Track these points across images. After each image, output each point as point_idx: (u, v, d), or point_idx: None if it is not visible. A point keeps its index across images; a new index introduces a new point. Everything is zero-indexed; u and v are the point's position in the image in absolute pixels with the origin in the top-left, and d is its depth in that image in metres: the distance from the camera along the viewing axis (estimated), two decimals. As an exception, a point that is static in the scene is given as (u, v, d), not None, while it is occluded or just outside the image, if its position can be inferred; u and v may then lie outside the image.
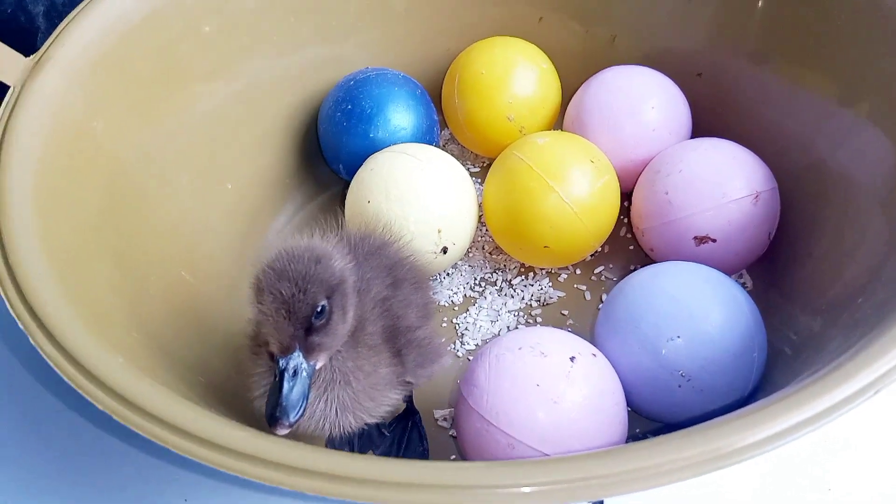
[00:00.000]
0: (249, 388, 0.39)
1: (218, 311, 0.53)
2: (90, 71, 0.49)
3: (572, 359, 0.43)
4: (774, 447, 0.30)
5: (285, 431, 0.33)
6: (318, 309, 0.34)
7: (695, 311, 0.44)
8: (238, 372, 0.49)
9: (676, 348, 0.44)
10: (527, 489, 0.29)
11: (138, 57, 0.52)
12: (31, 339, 0.33)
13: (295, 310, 0.34)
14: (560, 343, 0.44)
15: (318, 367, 0.36)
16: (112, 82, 0.50)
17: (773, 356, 0.47)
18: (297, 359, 0.34)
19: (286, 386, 0.33)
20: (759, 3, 0.56)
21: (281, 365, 0.34)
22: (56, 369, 0.32)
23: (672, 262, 0.49)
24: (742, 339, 0.44)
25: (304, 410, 0.34)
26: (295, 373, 0.34)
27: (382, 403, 0.41)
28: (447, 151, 0.59)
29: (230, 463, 0.29)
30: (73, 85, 0.47)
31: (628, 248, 0.61)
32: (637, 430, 0.49)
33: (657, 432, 0.49)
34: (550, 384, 0.41)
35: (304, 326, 0.34)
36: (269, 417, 0.33)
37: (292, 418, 0.33)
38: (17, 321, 0.34)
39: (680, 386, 0.44)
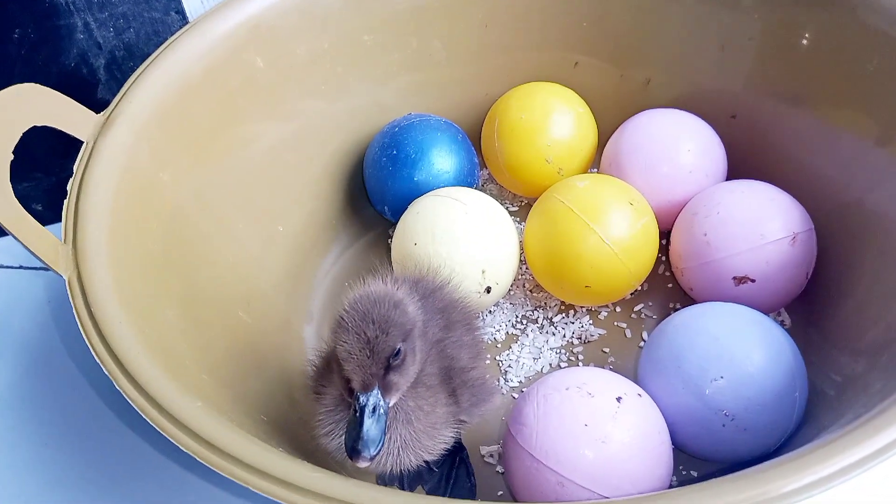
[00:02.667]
0: (314, 428, 0.42)
1: (272, 348, 0.56)
2: (156, 125, 0.52)
3: (619, 399, 0.44)
4: (821, 491, 0.32)
5: (366, 464, 0.35)
6: (396, 350, 0.37)
7: (737, 352, 0.45)
8: (294, 409, 0.51)
9: (720, 388, 0.45)
10: None
11: (199, 109, 0.55)
12: (116, 384, 0.36)
13: (377, 350, 0.36)
14: (606, 383, 0.45)
15: (391, 405, 0.38)
16: (176, 135, 0.53)
17: (816, 396, 0.48)
18: (376, 396, 0.37)
19: (367, 421, 0.36)
20: (797, 46, 0.58)
21: (361, 401, 0.36)
22: (141, 414, 0.34)
23: (713, 303, 0.50)
24: (784, 378, 0.45)
25: (383, 444, 0.36)
26: (374, 409, 0.36)
27: (439, 442, 0.43)
28: (486, 191, 0.62)
29: (304, 501, 0.31)
30: (140, 140, 0.51)
31: (667, 286, 0.62)
32: (681, 469, 0.50)
33: (702, 470, 0.50)
34: (598, 424, 0.43)
35: (384, 366, 0.37)
36: (351, 450, 0.36)
37: (373, 451, 0.35)
38: (104, 368, 0.37)
39: (724, 425, 0.45)
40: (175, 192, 0.53)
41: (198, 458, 0.32)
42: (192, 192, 0.54)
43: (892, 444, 0.32)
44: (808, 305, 0.56)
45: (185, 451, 0.33)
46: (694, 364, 0.46)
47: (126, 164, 0.49)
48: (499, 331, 0.60)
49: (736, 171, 0.62)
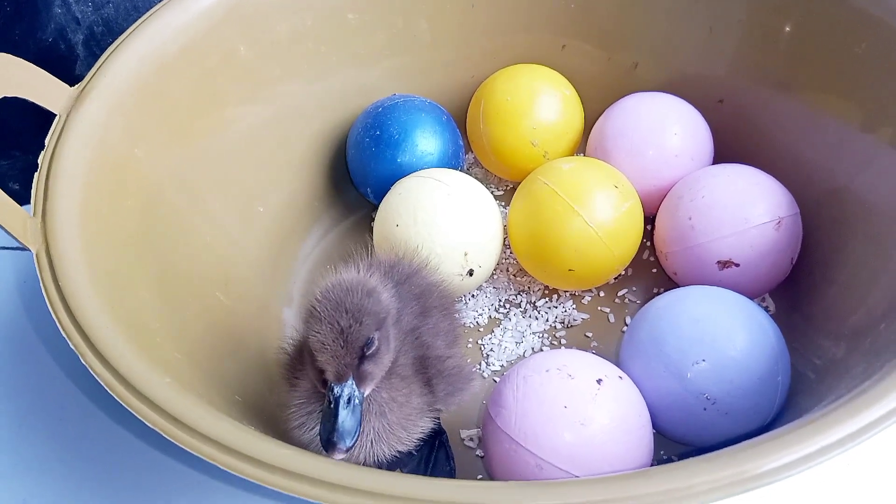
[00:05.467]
0: (287, 419, 0.41)
1: (251, 330, 0.55)
2: (131, 100, 0.51)
3: (599, 381, 0.44)
4: (801, 471, 0.31)
5: (342, 456, 0.35)
6: (370, 340, 0.36)
7: (719, 335, 0.45)
8: (272, 392, 0.50)
9: (701, 372, 0.44)
10: None
11: (176, 86, 0.54)
12: (82, 359, 0.35)
13: (351, 340, 0.36)
14: (587, 365, 0.45)
15: (365, 396, 0.38)
16: (151, 111, 0.52)
17: (797, 380, 0.48)
18: (350, 387, 0.36)
19: (342, 413, 0.35)
20: (784, 31, 0.57)
21: (336, 392, 0.36)
22: (108, 389, 0.33)
23: (696, 287, 0.49)
24: (767, 362, 0.45)
25: (359, 436, 0.35)
26: (349, 400, 0.36)
27: (414, 433, 0.43)
28: (471, 175, 0.61)
29: (274, 479, 0.31)
30: (114, 114, 0.50)
31: (651, 270, 0.62)
32: (661, 453, 0.50)
33: (683, 455, 0.50)
34: (578, 406, 0.42)
35: (358, 356, 0.36)
36: (326, 443, 0.35)
37: (349, 443, 0.35)
38: (69, 342, 0.36)
39: (705, 409, 0.45)
40: (151, 169, 0.51)
41: (165, 435, 0.31)
42: (169, 169, 0.53)
43: (873, 424, 0.32)
44: (792, 291, 0.56)
45: (152, 427, 0.32)
46: (675, 347, 0.46)
47: (100, 139, 0.48)
48: (481, 315, 0.60)
49: (722, 155, 0.61)
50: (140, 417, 0.32)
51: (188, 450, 0.31)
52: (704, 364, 0.44)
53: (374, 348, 0.37)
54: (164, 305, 0.45)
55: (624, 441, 0.42)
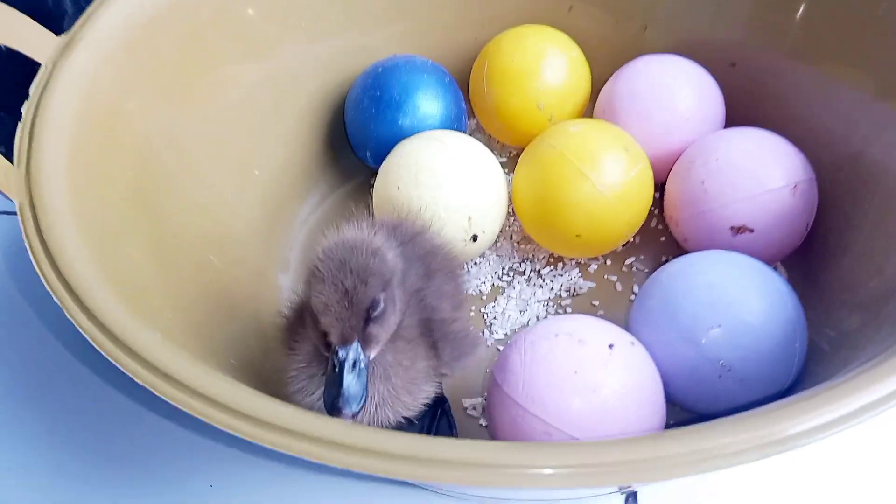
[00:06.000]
0: (287, 383, 0.39)
1: (245, 295, 0.53)
2: (121, 52, 0.48)
3: (611, 346, 0.42)
4: (825, 436, 0.29)
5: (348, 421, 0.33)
6: (376, 301, 0.35)
7: (735, 299, 0.43)
8: (267, 357, 0.48)
9: (717, 338, 0.43)
10: (548, 471, 0.28)
11: (167, 41, 0.51)
12: (66, 313, 0.33)
13: (356, 301, 0.34)
14: (597, 331, 0.43)
15: (371, 359, 0.36)
16: (142, 64, 0.50)
17: (811, 352, 0.46)
18: (356, 350, 0.34)
19: (348, 377, 0.34)
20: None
21: (341, 356, 0.34)
22: (93, 344, 0.31)
23: (710, 251, 0.48)
24: (784, 328, 0.43)
25: (364, 401, 0.34)
26: (354, 364, 0.34)
27: (419, 398, 0.41)
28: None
29: (271, 437, 0.29)
30: (103, 65, 0.47)
31: (659, 239, 0.60)
32: (671, 422, 0.48)
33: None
34: (588, 372, 0.40)
35: (363, 318, 0.34)
36: (331, 408, 0.33)
37: (355, 408, 0.33)
38: (53, 296, 0.33)
39: (720, 376, 0.43)
40: (142, 124, 0.49)
41: (156, 392, 0.29)
42: (161, 126, 0.50)
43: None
44: (806, 259, 0.54)
45: (143, 385, 0.30)
46: (689, 313, 0.44)
47: (88, 90, 0.46)
48: (484, 283, 0.58)
49: (734, 120, 0.59)
50: (130, 374, 0.30)
51: (182, 408, 0.29)
52: (719, 330, 0.43)
53: (379, 310, 0.35)
54: (156, 264, 0.43)
55: (635, 408, 0.41)
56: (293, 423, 0.29)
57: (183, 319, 0.42)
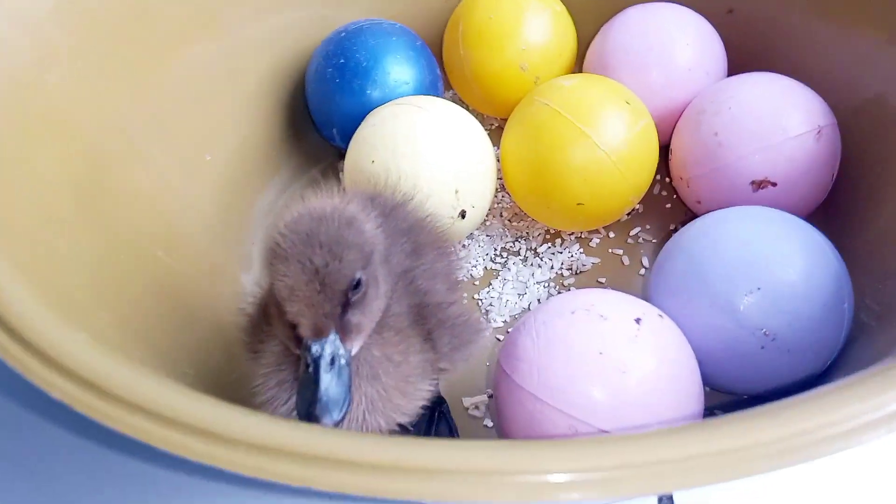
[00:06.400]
0: (254, 394, 0.32)
1: (203, 297, 0.46)
2: (42, 16, 0.41)
3: (637, 321, 0.36)
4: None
5: None
6: (356, 281, 0.28)
7: (773, 257, 0.37)
8: (231, 366, 0.41)
9: (756, 303, 0.37)
10: (562, 476, 0.22)
11: (99, 8, 0.44)
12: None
13: (329, 282, 0.27)
14: (619, 304, 0.37)
15: (353, 354, 0.29)
16: (68, 31, 0.42)
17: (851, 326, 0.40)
18: (333, 343, 0.27)
19: (325, 377, 0.27)
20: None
21: (315, 352, 0.27)
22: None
23: (737, 207, 0.42)
24: (830, 287, 0.37)
25: (349, 406, 0.27)
26: (333, 360, 0.27)
27: (415, 399, 0.34)
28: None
29: (232, 456, 0.22)
30: (18, 29, 0.40)
31: (665, 206, 0.54)
32: (707, 408, 0.42)
33: (733, 407, 0.42)
34: (615, 352, 0.34)
35: (340, 303, 0.27)
36: (306, 416, 0.26)
37: (336, 416, 0.26)
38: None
39: (763, 347, 0.37)
40: (68, 101, 0.42)
41: (76, 407, 0.22)
42: (91, 102, 0.43)
43: None
44: (832, 218, 0.48)
45: (61, 400, 0.23)
46: (722, 276, 0.38)
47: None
48: (475, 266, 0.51)
49: (735, 71, 0.54)
50: (40, 385, 0.23)
51: (114, 426, 0.22)
52: (759, 293, 0.37)
53: (360, 292, 0.28)
54: (82, 257, 0.36)
55: (673, 390, 0.35)
56: (259, 435, 0.22)
57: (124, 323, 0.34)
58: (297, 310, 0.27)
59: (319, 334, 0.28)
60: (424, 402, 0.35)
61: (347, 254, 0.28)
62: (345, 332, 0.28)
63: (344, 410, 0.27)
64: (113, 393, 0.23)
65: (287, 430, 0.22)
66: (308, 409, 0.27)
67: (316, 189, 0.34)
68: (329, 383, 0.27)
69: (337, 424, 0.27)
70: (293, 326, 0.28)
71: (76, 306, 0.31)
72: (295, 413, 0.30)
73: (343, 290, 0.28)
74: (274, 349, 0.32)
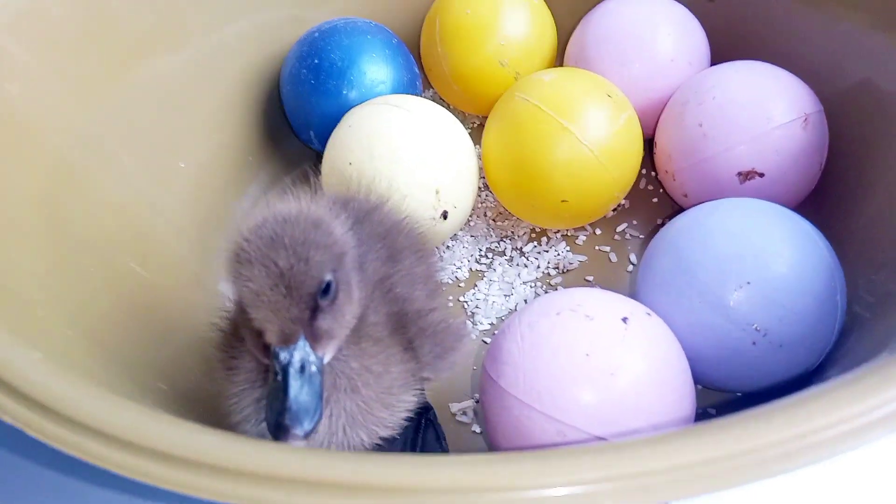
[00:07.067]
0: (229, 413, 0.30)
1: (180, 308, 0.44)
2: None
3: (625, 320, 0.34)
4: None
5: (301, 444, 0.24)
6: (325, 284, 0.26)
7: (762, 249, 0.36)
8: (211, 380, 0.40)
9: (746, 297, 0.36)
10: (561, 490, 0.21)
11: (61, 16, 0.43)
12: None
13: (296, 285, 0.25)
14: (606, 303, 0.36)
15: (326, 362, 0.27)
16: (30, 38, 0.41)
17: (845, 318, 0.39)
18: (302, 349, 0.26)
19: (294, 384, 0.25)
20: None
21: (283, 359, 0.26)
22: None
23: (724, 199, 0.41)
24: (822, 278, 0.36)
25: (320, 415, 0.26)
26: (302, 367, 0.26)
27: (398, 411, 0.32)
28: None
29: (194, 480, 0.20)
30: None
31: (651, 200, 0.53)
32: (700, 408, 0.41)
33: (725, 406, 0.41)
34: (603, 353, 0.33)
35: (310, 307, 0.26)
36: (275, 428, 0.25)
37: (307, 426, 0.25)
38: None
39: (754, 343, 0.36)
40: (31, 111, 0.40)
41: (26, 430, 0.21)
42: (56, 112, 0.42)
43: None
44: (822, 208, 0.47)
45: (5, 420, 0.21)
46: (710, 271, 0.37)
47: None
48: (460, 268, 0.50)
49: (718, 60, 0.53)
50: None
51: (64, 450, 0.20)
52: (749, 287, 0.36)
53: (330, 296, 0.27)
54: (53, 273, 0.34)
55: (663, 391, 0.33)
56: (233, 457, 0.20)
57: (91, 339, 0.33)
58: (262, 315, 0.26)
59: (287, 341, 0.26)
60: (408, 414, 0.34)
61: (314, 255, 0.26)
62: (315, 339, 0.27)
63: (315, 420, 0.26)
64: (63, 414, 0.21)
65: (251, 450, 0.21)
66: (277, 419, 0.25)
67: (284, 193, 0.33)
68: (299, 391, 0.26)
69: (307, 435, 0.25)
70: (260, 334, 0.27)
71: (35, 324, 0.29)
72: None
73: (311, 293, 0.26)
74: (247, 365, 0.31)
